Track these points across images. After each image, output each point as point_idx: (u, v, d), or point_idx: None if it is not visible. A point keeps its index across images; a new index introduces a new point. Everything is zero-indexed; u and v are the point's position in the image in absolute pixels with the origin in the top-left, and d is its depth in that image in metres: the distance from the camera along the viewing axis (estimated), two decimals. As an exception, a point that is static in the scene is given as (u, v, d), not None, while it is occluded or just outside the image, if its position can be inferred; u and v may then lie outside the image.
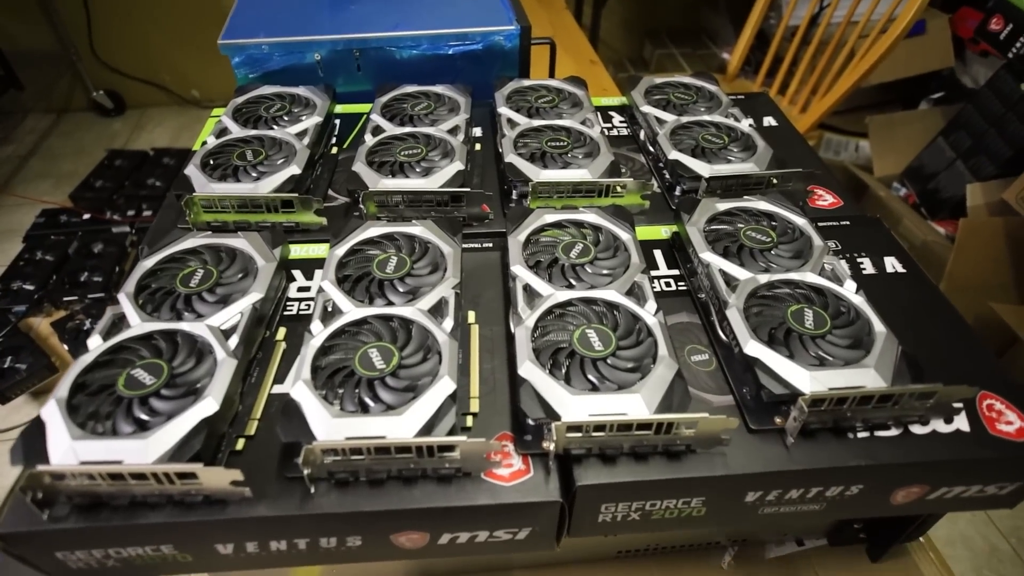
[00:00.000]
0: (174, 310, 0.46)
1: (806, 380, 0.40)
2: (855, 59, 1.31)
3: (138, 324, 0.44)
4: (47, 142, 2.12)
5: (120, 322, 0.45)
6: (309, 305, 0.51)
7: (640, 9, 2.42)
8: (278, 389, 0.44)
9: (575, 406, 0.39)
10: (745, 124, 0.65)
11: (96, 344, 0.42)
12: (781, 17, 1.53)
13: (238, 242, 0.51)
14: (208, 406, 0.38)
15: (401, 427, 0.38)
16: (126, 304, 0.45)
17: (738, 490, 0.41)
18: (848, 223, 0.58)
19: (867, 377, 0.40)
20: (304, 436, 0.38)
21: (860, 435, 0.41)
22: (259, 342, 0.47)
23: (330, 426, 0.38)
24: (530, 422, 0.40)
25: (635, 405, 0.39)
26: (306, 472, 0.37)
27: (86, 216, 1.52)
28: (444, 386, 0.40)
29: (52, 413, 0.38)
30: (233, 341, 0.43)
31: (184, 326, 0.43)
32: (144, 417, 0.38)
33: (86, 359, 0.41)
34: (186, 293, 0.46)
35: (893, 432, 0.41)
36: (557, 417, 0.38)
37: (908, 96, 1.87)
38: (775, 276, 0.47)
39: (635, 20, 2.44)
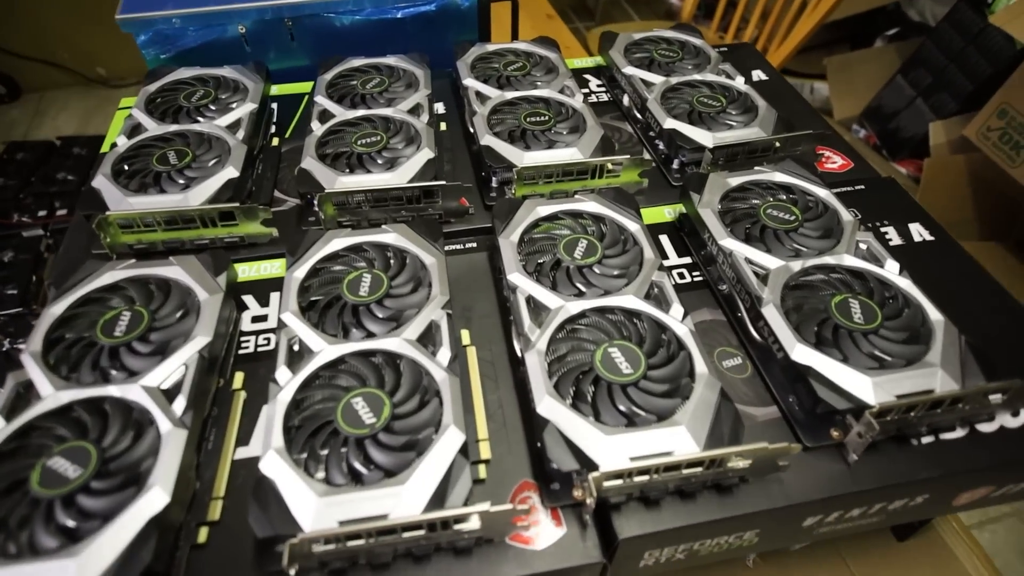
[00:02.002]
0: (97, 369, 0.37)
1: (869, 389, 0.34)
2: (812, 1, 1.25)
3: (51, 394, 0.34)
4: (-72, 138, 1.87)
5: (27, 392, 0.35)
6: (268, 339, 0.42)
7: (581, -46, 2.30)
8: (243, 453, 0.36)
9: (612, 449, 0.32)
10: (740, 82, 0.59)
11: (-2, 428, 0.33)
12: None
13: (171, 270, 0.42)
14: (156, 498, 0.30)
15: (407, 500, 0.31)
16: (32, 368, 0.36)
17: (797, 517, 0.36)
18: (863, 187, 0.53)
19: (934, 379, 0.35)
20: (285, 525, 0.30)
21: (925, 440, 0.36)
22: (212, 395, 0.38)
23: (318, 509, 0.30)
24: (554, 467, 0.34)
25: (681, 440, 0.33)
26: (292, 573, 0.29)
27: (-12, 221, 1.34)
28: (452, 438, 0.33)
29: (-55, 535, 0.29)
30: (179, 404, 0.35)
31: (113, 391, 0.35)
32: (71, 524, 0.30)
33: (-14, 451, 0.32)
34: (111, 345, 0.37)
35: (960, 433, 0.37)
36: (593, 466, 0.32)
37: (855, 34, 1.84)
38: (808, 261, 0.41)
39: (576, -34, 2.32)
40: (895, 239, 0.49)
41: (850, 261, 0.42)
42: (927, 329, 0.38)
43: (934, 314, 0.38)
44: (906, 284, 0.40)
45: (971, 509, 0.44)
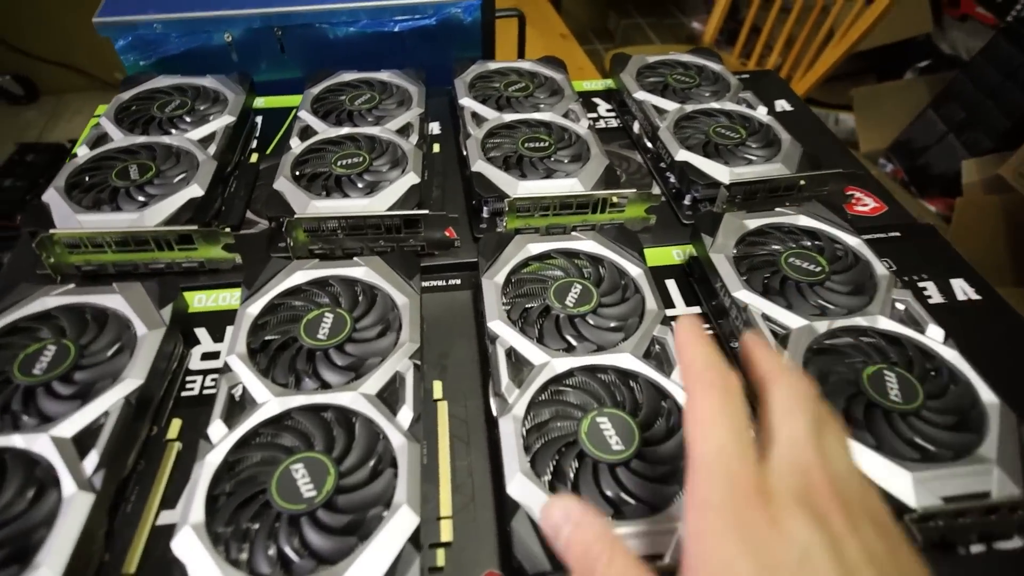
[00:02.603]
0: (8, 413, 0.32)
1: (909, 488, 0.29)
2: (841, 29, 1.20)
3: (-54, 444, 0.30)
4: (-57, 137, 1.88)
5: (-78, 439, 0.31)
6: (216, 380, 0.38)
7: (603, -23, 2.28)
8: (167, 517, 0.31)
9: (593, 546, 0.27)
10: (762, 112, 0.54)
11: None
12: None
13: (111, 299, 0.37)
14: (41, 583, 0.25)
15: (338, 602, 0.25)
16: (-68, 410, 0.31)
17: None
18: (899, 234, 0.47)
19: (989, 478, 0.29)
20: (191, 626, 0.25)
21: (974, 549, 0.30)
22: (140, 445, 0.33)
23: (230, 608, 0.25)
24: (523, 565, 0.28)
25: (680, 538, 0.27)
26: None
27: (-8, 223, 1.32)
28: (403, 521, 0.28)
29: None
30: (91, 461, 0.30)
31: (18, 440, 0.30)
32: (-63, 611, 0.25)
33: None
34: (27, 384, 0.33)
35: (1019, 543, 0.30)
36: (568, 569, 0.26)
37: (883, 65, 1.78)
38: (836, 322, 0.36)
39: (598, -12, 2.29)
40: (935, 297, 0.43)
41: (885, 324, 0.36)
42: (979, 412, 0.32)
43: (987, 394, 0.32)
44: (952, 355, 0.34)
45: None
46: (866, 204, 0.50)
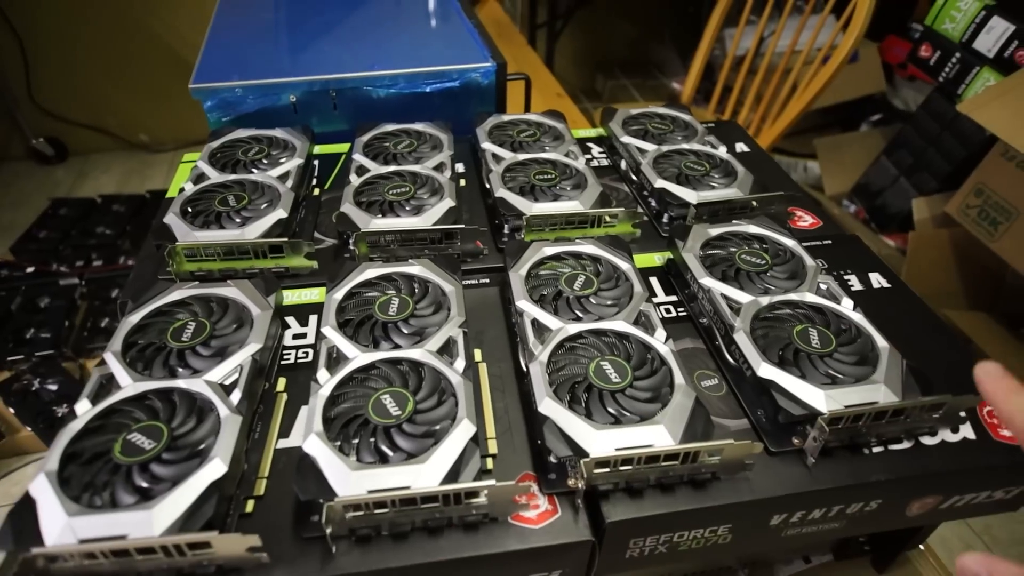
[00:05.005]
0: (167, 367, 0.43)
1: (822, 399, 0.40)
2: (801, 86, 1.38)
3: (130, 384, 0.41)
4: (-19, 194, 2.01)
5: (109, 383, 0.42)
6: (307, 353, 0.49)
7: (590, 43, 2.50)
8: (283, 444, 0.42)
9: (600, 441, 0.38)
10: (723, 151, 0.67)
11: (85, 409, 0.39)
12: (725, 50, 1.60)
13: (229, 291, 0.49)
14: (216, 468, 0.36)
15: (425, 475, 0.36)
16: (114, 363, 0.42)
17: (764, 514, 0.41)
18: (830, 242, 0.60)
19: (878, 393, 0.41)
20: (323, 493, 0.36)
21: (875, 450, 0.42)
22: (259, 395, 0.44)
23: (350, 480, 0.36)
24: (553, 460, 0.39)
25: (660, 436, 0.39)
26: (328, 531, 0.35)
27: (30, 269, 1.43)
28: (465, 429, 0.39)
29: (42, 488, 0.35)
30: (235, 396, 0.41)
31: (181, 383, 0.41)
32: (146, 485, 0.36)
33: (75, 426, 0.38)
34: (179, 348, 0.44)
35: (906, 445, 0.42)
36: (584, 454, 0.38)
37: (846, 119, 1.98)
38: (775, 298, 0.48)
39: (585, 54, 2.52)
40: (856, 285, 0.55)
41: (811, 298, 0.48)
42: (875, 354, 0.44)
43: (881, 342, 0.44)
44: (858, 318, 0.46)
45: (926, 523, 0.48)
46: (806, 220, 0.63)
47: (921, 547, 0.59)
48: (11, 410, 1.13)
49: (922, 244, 1.34)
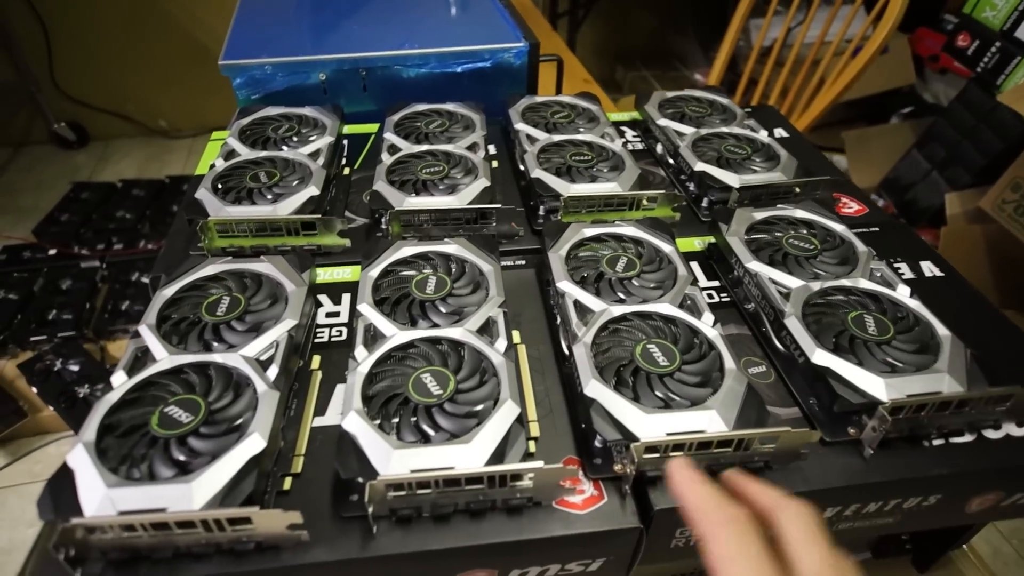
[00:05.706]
0: (202, 341, 0.42)
1: (882, 388, 0.38)
2: (830, 79, 1.35)
3: (165, 357, 0.40)
4: (4, 177, 2.02)
5: (144, 356, 0.41)
6: (340, 331, 0.48)
7: (610, 33, 2.47)
8: (319, 421, 0.41)
9: (650, 425, 0.37)
10: (764, 135, 0.65)
11: (120, 381, 0.38)
12: (750, 41, 1.57)
13: (263, 267, 0.48)
14: (255, 443, 0.35)
15: (470, 456, 0.35)
16: (149, 336, 0.41)
17: (818, 506, 0.39)
18: (877, 229, 0.58)
19: (942, 383, 0.39)
20: (364, 471, 0.34)
21: (936, 443, 0.40)
22: (295, 372, 0.43)
23: (392, 459, 0.35)
24: (597, 444, 0.38)
25: (711, 422, 0.37)
26: (370, 510, 0.33)
27: (52, 251, 1.44)
28: (509, 410, 0.37)
29: (81, 459, 0.34)
30: (272, 371, 0.40)
31: (217, 358, 0.40)
32: (184, 458, 0.35)
33: (111, 397, 0.37)
34: (214, 322, 0.43)
35: (968, 438, 0.40)
36: (634, 438, 0.36)
37: (872, 112, 1.94)
38: (827, 283, 0.46)
39: (606, 44, 2.48)
40: (908, 274, 0.53)
41: (865, 284, 0.46)
42: (935, 343, 0.42)
43: (942, 330, 0.42)
44: (916, 305, 0.45)
45: (985, 521, 0.46)
46: (851, 207, 0.61)
47: (964, 547, 0.57)
48: (34, 389, 1.13)
49: (955, 240, 1.31)
